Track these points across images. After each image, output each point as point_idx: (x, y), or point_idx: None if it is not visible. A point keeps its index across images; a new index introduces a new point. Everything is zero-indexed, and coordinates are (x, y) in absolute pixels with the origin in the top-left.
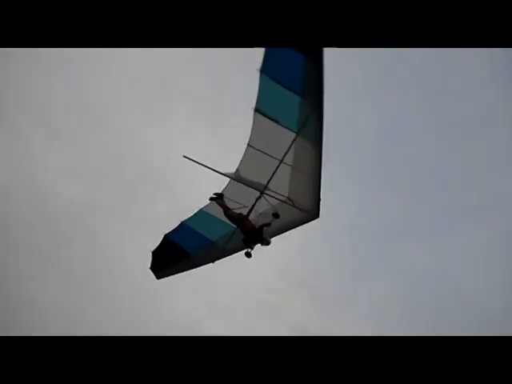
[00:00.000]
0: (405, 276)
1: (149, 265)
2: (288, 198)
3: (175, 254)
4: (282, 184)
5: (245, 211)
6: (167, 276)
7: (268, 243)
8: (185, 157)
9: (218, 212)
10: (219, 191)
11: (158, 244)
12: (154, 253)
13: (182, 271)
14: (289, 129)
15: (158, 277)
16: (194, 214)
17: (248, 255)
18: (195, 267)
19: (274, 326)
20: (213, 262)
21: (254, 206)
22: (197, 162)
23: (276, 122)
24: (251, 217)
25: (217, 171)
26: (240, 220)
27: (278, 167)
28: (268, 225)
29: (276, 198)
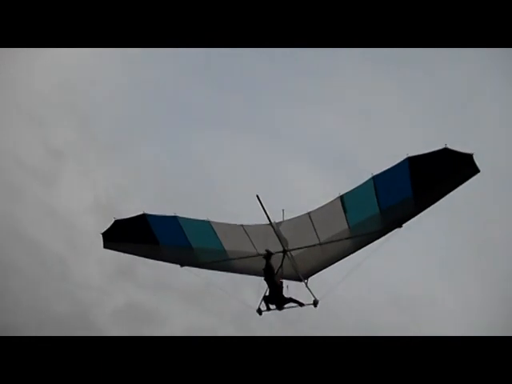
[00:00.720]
0: None
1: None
2: (293, 256)
3: (142, 236)
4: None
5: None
6: (115, 250)
7: (281, 310)
8: (257, 196)
9: (222, 233)
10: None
11: (127, 217)
12: (117, 222)
13: (135, 254)
14: (348, 224)
15: (106, 246)
16: (196, 220)
17: (260, 312)
18: (156, 259)
19: None
20: (181, 265)
21: (281, 265)
22: (262, 207)
23: (345, 212)
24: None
25: (269, 218)
26: (277, 286)
27: (313, 246)
28: (300, 304)
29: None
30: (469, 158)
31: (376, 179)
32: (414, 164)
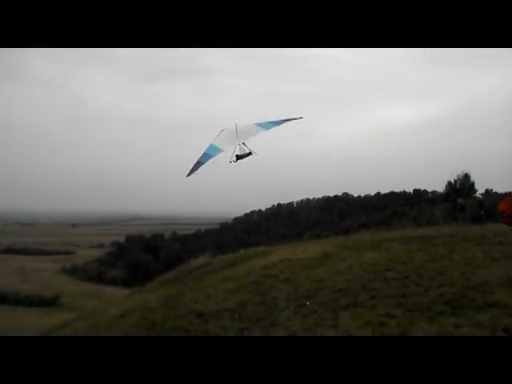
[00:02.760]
0: None
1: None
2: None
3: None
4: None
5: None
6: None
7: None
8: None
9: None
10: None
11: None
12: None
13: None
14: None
15: (187, 176)
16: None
17: (231, 162)
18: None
19: None
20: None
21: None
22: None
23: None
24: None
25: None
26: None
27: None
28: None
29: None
30: (293, 119)
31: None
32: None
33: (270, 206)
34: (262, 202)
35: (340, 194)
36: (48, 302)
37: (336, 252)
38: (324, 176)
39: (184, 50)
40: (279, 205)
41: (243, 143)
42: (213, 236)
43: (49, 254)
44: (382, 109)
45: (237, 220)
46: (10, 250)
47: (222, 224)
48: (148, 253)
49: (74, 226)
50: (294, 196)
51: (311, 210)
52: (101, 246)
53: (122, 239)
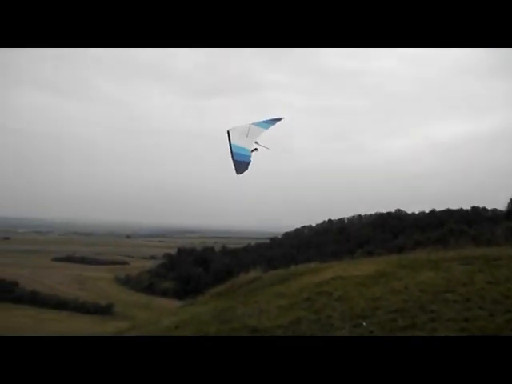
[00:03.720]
0: None
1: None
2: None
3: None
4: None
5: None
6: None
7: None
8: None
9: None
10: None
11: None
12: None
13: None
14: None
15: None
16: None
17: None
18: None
19: None
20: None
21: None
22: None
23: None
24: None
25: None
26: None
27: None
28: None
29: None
30: (280, 119)
31: (264, 122)
32: (274, 119)
33: (320, 221)
34: (313, 217)
35: (393, 210)
36: (102, 310)
37: (390, 270)
38: (376, 192)
39: (236, 66)
40: (330, 220)
41: (255, 142)
42: (263, 250)
43: (104, 263)
44: (436, 122)
45: (287, 235)
46: (69, 259)
47: (271, 239)
48: (198, 265)
49: (128, 237)
50: (345, 212)
51: (363, 227)
52: (153, 257)
53: (173, 251)
